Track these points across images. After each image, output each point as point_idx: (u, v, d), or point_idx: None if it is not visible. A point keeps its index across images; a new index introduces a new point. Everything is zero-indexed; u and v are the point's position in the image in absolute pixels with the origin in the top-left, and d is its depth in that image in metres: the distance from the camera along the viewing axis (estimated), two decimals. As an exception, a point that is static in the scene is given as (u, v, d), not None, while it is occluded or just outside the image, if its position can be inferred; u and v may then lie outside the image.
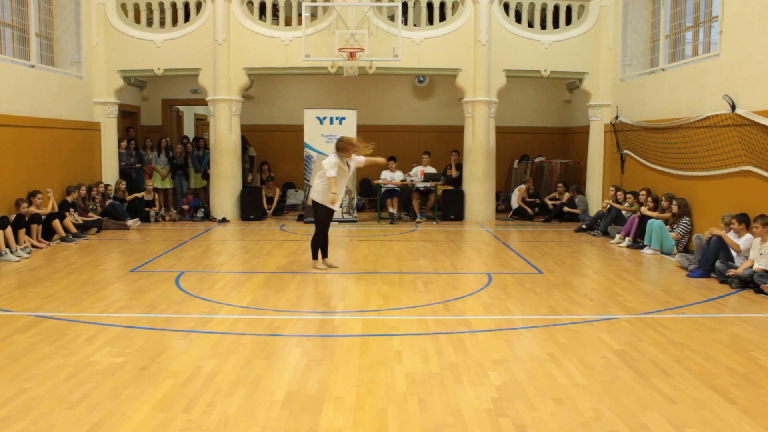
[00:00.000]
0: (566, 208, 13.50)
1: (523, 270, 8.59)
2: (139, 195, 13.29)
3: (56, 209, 10.85)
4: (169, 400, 4.17)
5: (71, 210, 11.31)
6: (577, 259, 9.65)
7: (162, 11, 13.65)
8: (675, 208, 10.02)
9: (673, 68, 11.13)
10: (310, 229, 12.51)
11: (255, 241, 11.08)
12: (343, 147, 8.19)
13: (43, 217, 10.26)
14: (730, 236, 8.13)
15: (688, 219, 9.93)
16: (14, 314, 6.22)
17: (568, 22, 13.72)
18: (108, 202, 12.52)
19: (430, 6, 13.62)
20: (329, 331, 5.76)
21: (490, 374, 4.65)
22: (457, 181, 14.27)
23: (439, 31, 13.39)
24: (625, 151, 12.64)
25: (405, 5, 13.43)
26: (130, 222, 12.20)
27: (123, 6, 13.47)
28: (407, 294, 7.15)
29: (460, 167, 14.31)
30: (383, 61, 13.04)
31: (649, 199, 10.78)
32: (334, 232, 12.22)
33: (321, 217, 8.28)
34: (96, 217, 11.89)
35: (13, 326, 5.78)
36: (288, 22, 13.54)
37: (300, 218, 13.76)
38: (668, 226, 9.99)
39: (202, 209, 13.79)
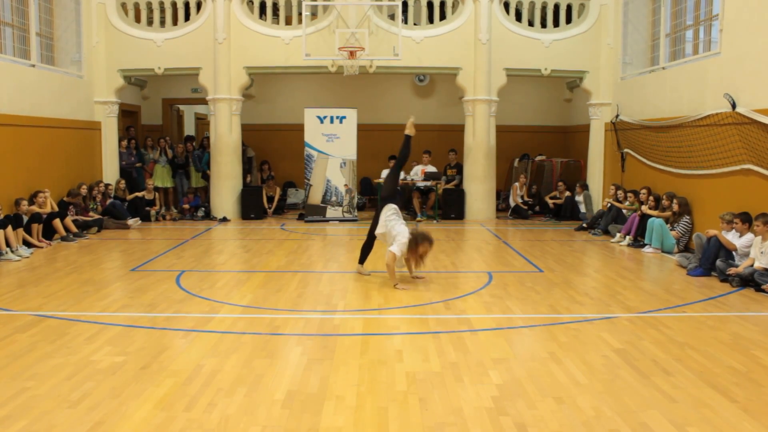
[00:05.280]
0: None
1: (524, 269, 8.59)
2: (139, 194, 13.30)
3: (55, 209, 10.83)
4: (170, 399, 4.17)
5: (71, 207, 11.32)
6: (578, 257, 9.64)
7: (162, 10, 13.65)
8: (675, 207, 10.01)
9: (674, 67, 11.13)
10: (311, 228, 12.61)
11: (255, 240, 11.08)
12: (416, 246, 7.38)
13: (44, 217, 10.26)
14: (732, 235, 8.13)
15: (688, 218, 9.93)
16: (15, 313, 6.22)
17: (569, 20, 13.71)
18: (109, 201, 12.52)
19: (430, 5, 13.61)
20: (330, 330, 5.76)
21: (491, 373, 4.65)
22: (454, 180, 14.26)
23: (440, 30, 13.38)
24: (626, 150, 12.63)
25: (405, 4, 13.42)
26: (130, 221, 12.20)
27: (123, 5, 13.47)
28: (408, 293, 7.15)
29: (458, 167, 14.31)
30: (384, 60, 13.03)
31: (650, 197, 10.78)
32: (335, 231, 12.26)
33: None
34: (97, 216, 11.90)
35: (13, 325, 5.78)
36: (288, 21, 13.54)
37: (300, 217, 13.76)
38: (669, 225, 9.98)
39: (203, 208, 13.80)
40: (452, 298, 6.94)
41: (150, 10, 13.68)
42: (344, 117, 13.40)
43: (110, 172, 13.50)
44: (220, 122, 13.39)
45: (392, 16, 13.42)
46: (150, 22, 13.73)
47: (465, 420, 3.88)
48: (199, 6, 13.40)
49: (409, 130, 8.49)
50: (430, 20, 13.65)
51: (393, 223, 7.62)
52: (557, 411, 4.01)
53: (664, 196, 10.42)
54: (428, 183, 13.69)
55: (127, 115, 15.60)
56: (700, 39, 10.87)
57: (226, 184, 13.51)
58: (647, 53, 12.58)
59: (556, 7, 13.72)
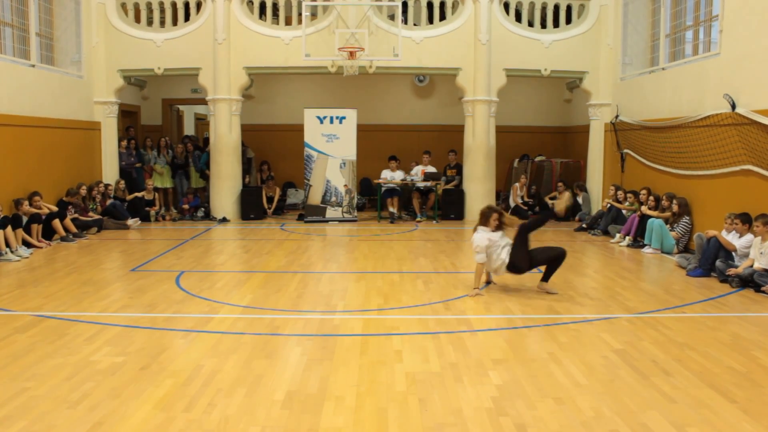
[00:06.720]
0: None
1: (524, 269, 8.58)
2: (139, 194, 13.29)
3: (53, 209, 10.78)
4: (170, 399, 4.17)
5: (70, 207, 11.31)
6: (578, 258, 9.64)
7: (162, 11, 13.64)
8: (675, 208, 10.02)
9: (674, 67, 11.13)
10: (311, 229, 12.61)
11: (255, 240, 11.08)
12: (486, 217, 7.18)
13: (43, 217, 10.25)
14: (732, 236, 8.13)
15: (688, 218, 9.93)
16: (14, 314, 6.22)
17: (569, 21, 13.71)
18: (108, 201, 12.52)
19: (430, 5, 13.61)
20: (329, 331, 5.76)
21: (491, 373, 4.65)
22: (453, 180, 14.25)
23: (440, 30, 13.38)
24: (626, 151, 12.63)
25: (405, 4, 13.41)
26: (130, 221, 12.20)
27: (123, 5, 13.46)
28: (407, 293, 7.15)
29: (457, 167, 14.30)
30: (383, 61, 13.03)
31: (650, 198, 10.78)
32: (335, 231, 12.26)
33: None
34: (96, 216, 11.89)
35: (13, 326, 5.78)
36: (288, 22, 13.54)
37: (300, 218, 13.76)
38: (668, 226, 9.98)
39: (203, 209, 13.80)
40: (452, 298, 6.94)
41: (150, 10, 13.67)
42: (344, 117, 13.40)
43: (110, 173, 13.49)
44: (219, 122, 13.38)
45: (392, 17, 13.41)
46: (150, 23, 13.73)
47: (465, 420, 3.88)
48: (199, 6, 13.40)
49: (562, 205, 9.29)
50: (430, 21, 13.64)
51: (498, 252, 7.10)
52: (557, 411, 4.01)
53: (664, 197, 10.42)
54: (428, 183, 13.68)
55: (127, 116, 15.60)
56: (699, 40, 10.87)
57: (225, 185, 13.51)
58: (647, 54, 12.58)
59: (556, 8, 13.71)
